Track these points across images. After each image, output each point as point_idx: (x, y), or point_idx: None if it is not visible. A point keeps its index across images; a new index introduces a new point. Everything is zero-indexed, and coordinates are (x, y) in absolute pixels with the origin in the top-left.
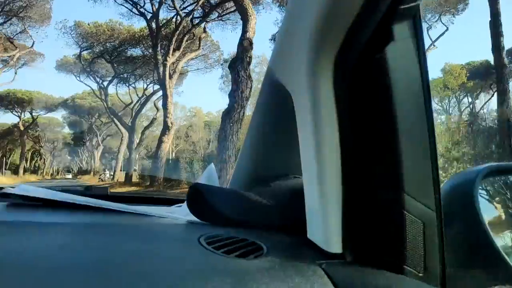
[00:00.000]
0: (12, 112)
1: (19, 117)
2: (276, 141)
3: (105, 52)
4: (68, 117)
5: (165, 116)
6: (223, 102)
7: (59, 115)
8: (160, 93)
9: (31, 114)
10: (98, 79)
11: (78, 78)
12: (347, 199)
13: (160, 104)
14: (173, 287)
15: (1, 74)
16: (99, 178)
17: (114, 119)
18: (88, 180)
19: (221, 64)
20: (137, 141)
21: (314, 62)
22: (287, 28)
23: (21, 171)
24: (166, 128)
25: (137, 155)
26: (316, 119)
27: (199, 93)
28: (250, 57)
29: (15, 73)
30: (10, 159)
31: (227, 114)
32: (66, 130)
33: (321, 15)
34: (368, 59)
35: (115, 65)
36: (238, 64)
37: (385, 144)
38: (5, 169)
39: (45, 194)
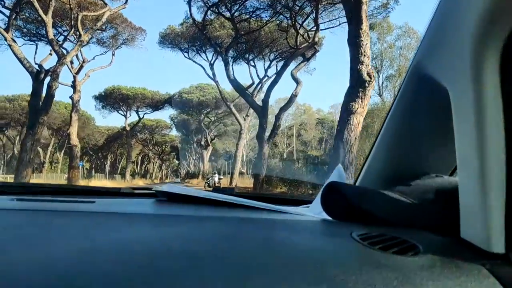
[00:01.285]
0: (117, 111)
1: (125, 116)
2: (417, 139)
3: (221, 3)
4: (175, 117)
5: (357, 61)
6: (336, 97)
7: (166, 115)
8: (296, 62)
9: (137, 113)
10: (210, 53)
11: (185, 54)
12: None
13: (299, 74)
14: (335, 279)
15: (87, 54)
16: (205, 183)
17: (231, 107)
18: (197, 184)
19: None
20: (268, 133)
21: (477, 54)
22: (442, 18)
23: (127, 175)
24: (360, 85)
25: (268, 151)
26: (479, 115)
27: (308, 85)
28: None
29: (113, 54)
30: (121, 163)
31: None
32: (174, 133)
33: (489, 1)
34: None
35: (236, 25)
36: None
37: None
38: (117, 173)
39: (187, 192)
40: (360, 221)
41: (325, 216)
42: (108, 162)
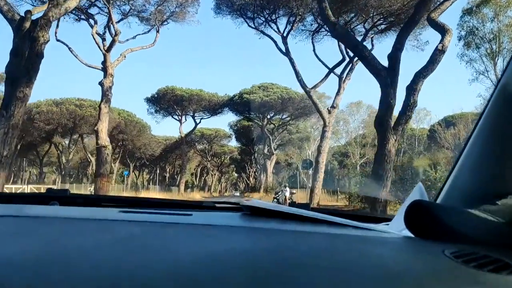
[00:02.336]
0: (172, 115)
1: (180, 121)
2: (502, 158)
3: None
4: (235, 125)
5: None
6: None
7: (225, 121)
8: None
9: (193, 117)
10: (282, 24)
11: (251, 23)
12: None
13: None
14: None
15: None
16: (274, 199)
17: (312, 94)
18: (260, 198)
19: None
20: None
21: None
22: None
23: (181, 187)
24: None
25: (395, 146)
26: None
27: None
28: None
29: (157, 31)
30: (179, 175)
31: None
32: (233, 143)
33: None
34: None
35: None
36: None
37: None
38: (175, 185)
39: (269, 206)
40: (447, 240)
41: (408, 233)
42: (167, 173)
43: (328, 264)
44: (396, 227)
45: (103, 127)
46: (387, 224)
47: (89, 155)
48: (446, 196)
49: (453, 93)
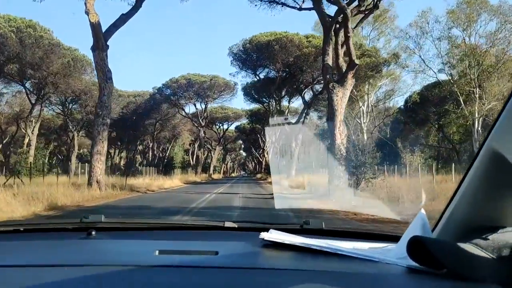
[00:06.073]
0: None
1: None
2: (500, 193)
3: None
4: (242, 52)
5: None
6: None
7: (223, 55)
8: None
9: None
10: None
11: None
12: None
13: None
14: None
15: None
16: None
17: None
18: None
19: None
20: None
21: None
22: None
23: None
24: None
25: None
26: None
27: None
28: None
29: None
30: (168, 151)
31: None
32: (239, 104)
33: None
34: None
35: None
36: None
37: None
38: (161, 169)
39: (290, 240)
40: (444, 274)
41: (411, 262)
42: (153, 150)
43: None
44: (401, 252)
45: None
46: (392, 246)
47: None
48: (443, 228)
49: None
